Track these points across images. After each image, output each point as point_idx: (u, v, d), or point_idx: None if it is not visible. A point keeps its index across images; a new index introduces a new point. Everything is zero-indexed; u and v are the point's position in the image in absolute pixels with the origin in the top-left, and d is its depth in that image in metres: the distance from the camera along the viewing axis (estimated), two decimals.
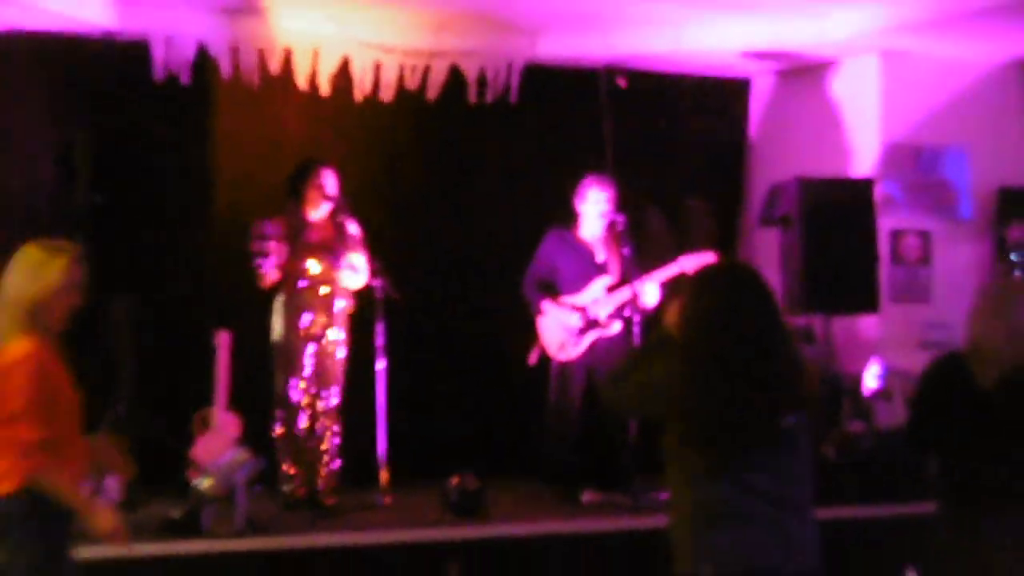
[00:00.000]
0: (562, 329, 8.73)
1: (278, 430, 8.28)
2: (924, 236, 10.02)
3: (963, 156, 10.09)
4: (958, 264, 10.05)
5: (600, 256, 8.82)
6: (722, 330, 4.43)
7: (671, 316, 4.62)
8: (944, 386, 5.85)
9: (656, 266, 8.64)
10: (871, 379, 9.41)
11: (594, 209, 8.78)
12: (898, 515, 8.51)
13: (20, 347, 5.18)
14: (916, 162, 9.99)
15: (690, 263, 8.59)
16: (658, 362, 4.54)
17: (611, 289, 8.72)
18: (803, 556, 4.47)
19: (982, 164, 10.08)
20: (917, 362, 9.49)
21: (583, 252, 8.83)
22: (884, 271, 9.54)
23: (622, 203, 8.81)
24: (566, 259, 8.82)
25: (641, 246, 8.87)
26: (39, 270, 5.29)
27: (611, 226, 8.78)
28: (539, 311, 8.78)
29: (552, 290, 8.79)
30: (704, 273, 4.78)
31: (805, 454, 4.51)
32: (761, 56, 10.06)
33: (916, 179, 10.00)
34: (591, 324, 8.75)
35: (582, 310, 8.72)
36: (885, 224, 9.64)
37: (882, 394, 9.39)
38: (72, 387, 5.32)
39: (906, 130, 9.97)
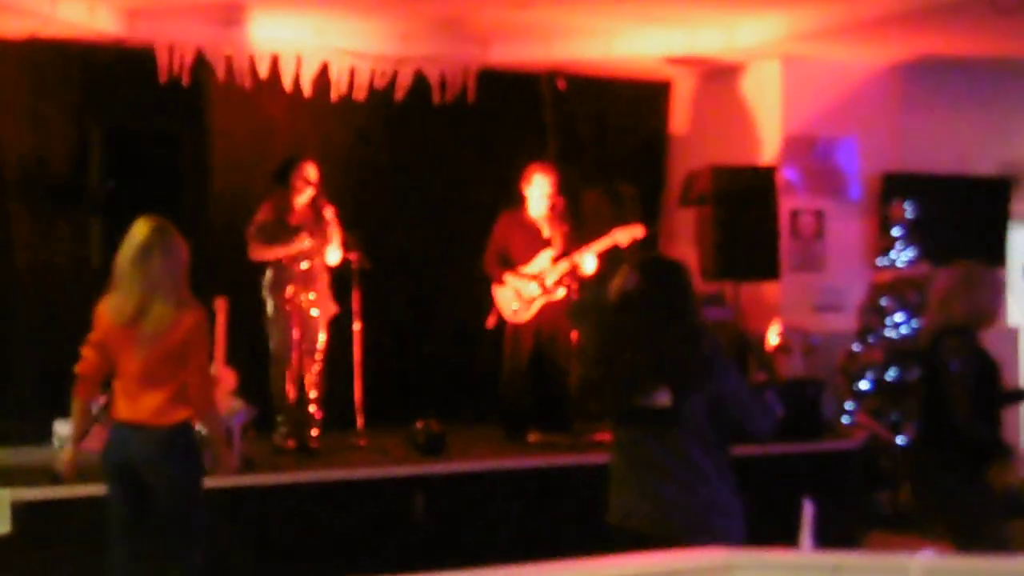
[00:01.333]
0: (516, 296, 8.77)
1: (271, 383, 8.30)
2: (818, 215, 10.04)
3: (852, 146, 10.14)
4: (848, 239, 10.10)
5: (546, 232, 8.84)
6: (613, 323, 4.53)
7: (615, 287, 4.65)
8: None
9: (593, 239, 8.70)
10: (773, 336, 9.48)
11: (538, 192, 8.81)
12: (797, 452, 8.63)
13: (200, 307, 5.55)
14: (812, 151, 10.03)
15: (622, 236, 8.65)
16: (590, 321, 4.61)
17: (555, 260, 8.76)
18: (682, 522, 4.36)
19: (869, 153, 10.13)
20: (812, 322, 9.71)
21: (531, 229, 8.86)
22: (784, 245, 9.60)
23: (562, 187, 8.87)
24: (517, 236, 8.85)
25: (579, 224, 8.92)
26: (181, 244, 5.56)
27: (553, 207, 8.82)
28: (500, 282, 8.79)
29: (507, 263, 8.83)
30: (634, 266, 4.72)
31: (699, 431, 4.42)
32: (680, 61, 10.08)
33: (812, 166, 10.03)
34: (540, 291, 8.78)
35: (531, 279, 8.77)
36: (785, 204, 9.69)
37: (782, 349, 9.45)
38: None
39: (803, 124, 10.00)
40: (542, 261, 8.75)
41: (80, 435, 5.74)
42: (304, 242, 8.19)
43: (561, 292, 8.75)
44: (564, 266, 8.70)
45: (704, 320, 4.71)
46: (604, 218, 9.40)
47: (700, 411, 4.41)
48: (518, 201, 8.88)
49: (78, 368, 5.60)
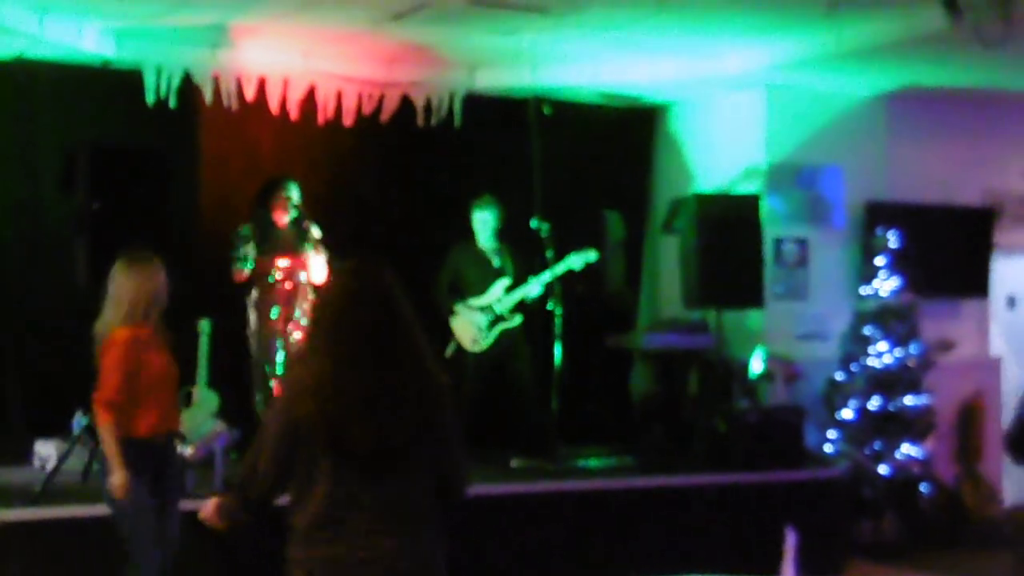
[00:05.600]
0: (472, 326, 8.90)
1: (253, 405, 8.29)
2: (802, 243, 10.06)
3: (837, 174, 10.17)
4: (832, 267, 10.11)
5: (496, 262, 9.07)
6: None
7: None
8: None
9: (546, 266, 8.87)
10: (756, 364, 9.51)
11: (483, 227, 9.06)
12: (779, 481, 8.63)
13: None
14: (796, 180, 10.06)
15: (576, 261, 8.77)
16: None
17: (509, 289, 8.96)
18: (402, 570, 3.85)
19: (853, 181, 10.15)
20: (795, 350, 9.73)
21: (482, 260, 9.10)
22: (768, 273, 9.58)
23: (543, 212, 8.93)
24: (469, 267, 9.08)
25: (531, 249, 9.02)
26: None
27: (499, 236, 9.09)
28: (451, 312, 8.99)
29: (459, 293, 9.02)
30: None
31: (419, 477, 3.91)
32: (666, 88, 10.12)
33: (796, 194, 10.07)
34: (497, 319, 8.91)
35: (487, 309, 8.96)
36: (769, 232, 9.69)
37: (766, 377, 9.49)
38: None
39: (788, 152, 10.03)
40: (496, 291, 8.88)
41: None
42: (278, 262, 8.25)
43: (518, 319, 8.89)
44: (518, 293, 8.81)
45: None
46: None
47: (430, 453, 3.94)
48: (469, 233, 9.06)
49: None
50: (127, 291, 5.96)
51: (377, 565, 3.84)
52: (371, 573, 3.84)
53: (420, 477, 3.93)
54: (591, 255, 8.93)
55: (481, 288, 9.02)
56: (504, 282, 8.99)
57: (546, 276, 8.82)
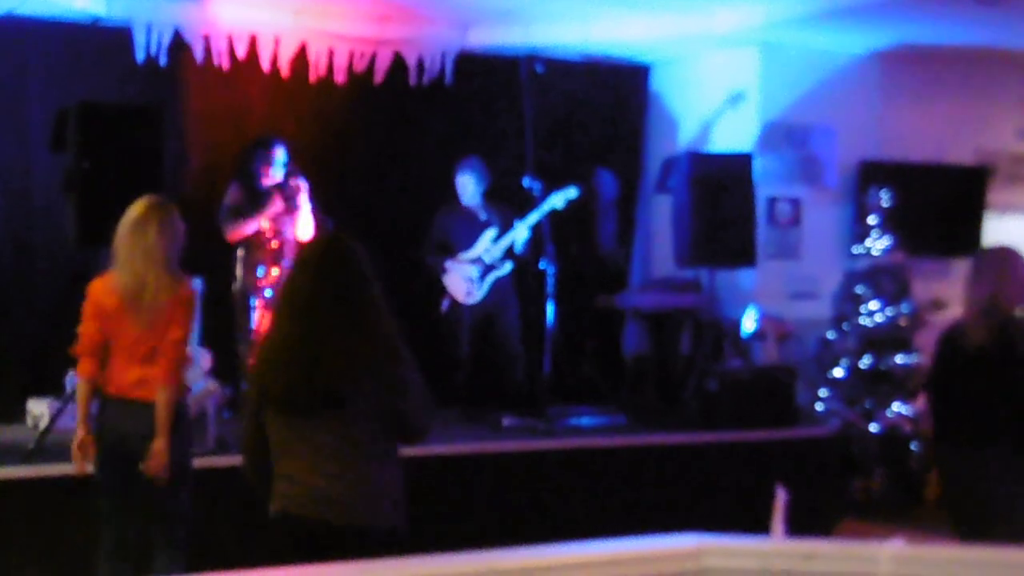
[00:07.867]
0: (464, 279, 8.91)
1: (243, 364, 8.31)
2: (795, 202, 10.09)
3: (830, 133, 10.17)
4: (824, 226, 10.14)
5: (482, 216, 9.06)
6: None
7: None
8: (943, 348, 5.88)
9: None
10: (749, 323, 9.53)
11: (464, 190, 9.05)
12: (770, 439, 8.67)
13: (190, 284, 5.70)
14: (789, 139, 10.06)
15: (558, 199, 8.86)
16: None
17: (497, 238, 8.96)
18: (339, 512, 4.27)
19: (845, 141, 10.16)
20: (787, 309, 9.75)
21: (468, 216, 9.07)
22: (760, 232, 9.57)
23: (536, 170, 8.93)
24: (455, 226, 9.05)
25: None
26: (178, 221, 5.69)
27: (485, 194, 9.07)
28: (443, 271, 8.99)
29: (448, 251, 8.99)
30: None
31: (359, 422, 4.28)
32: (658, 47, 10.10)
33: (789, 153, 10.07)
34: (488, 269, 8.94)
35: (477, 261, 8.93)
36: (762, 192, 9.66)
37: (757, 336, 9.51)
38: None
39: (781, 111, 10.03)
40: (484, 242, 8.91)
41: (83, 416, 5.67)
42: (276, 204, 8.25)
43: (509, 266, 8.92)
44: (505, 241, 8.83)
45: (381, 301, 4.46)
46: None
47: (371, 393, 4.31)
48: (452, 195, 9.05)
49: (79, 348, 5.60)
50: None
51: (315, 501, 4.28)
52: (312, 508, 4.29)
53: (361, 422, 4.28)
54: (571, 192, 8.92)
55: (470, 243, 9.01)
56: (491, 232, 8.98)
57: (531, 217, 8.83)
